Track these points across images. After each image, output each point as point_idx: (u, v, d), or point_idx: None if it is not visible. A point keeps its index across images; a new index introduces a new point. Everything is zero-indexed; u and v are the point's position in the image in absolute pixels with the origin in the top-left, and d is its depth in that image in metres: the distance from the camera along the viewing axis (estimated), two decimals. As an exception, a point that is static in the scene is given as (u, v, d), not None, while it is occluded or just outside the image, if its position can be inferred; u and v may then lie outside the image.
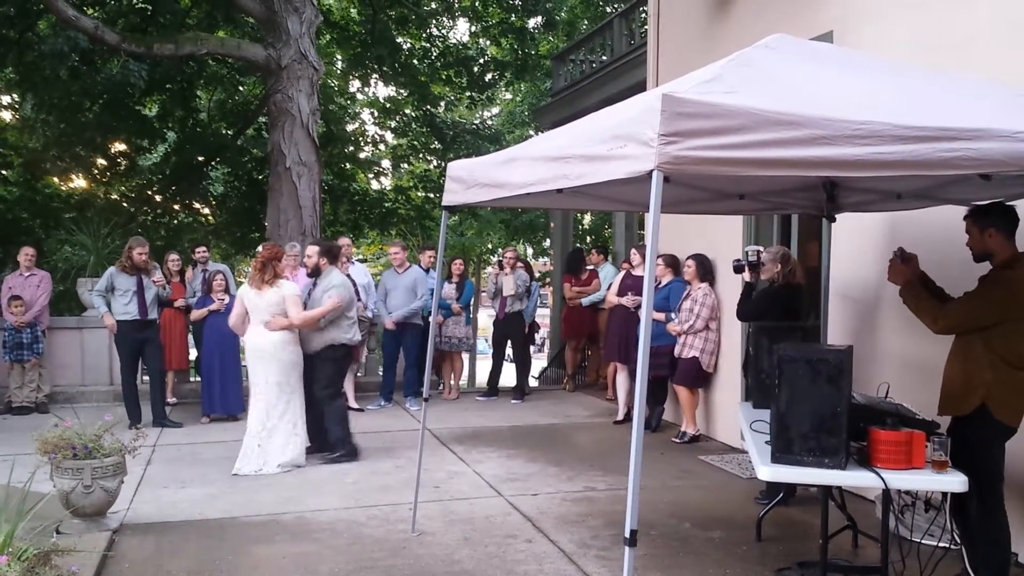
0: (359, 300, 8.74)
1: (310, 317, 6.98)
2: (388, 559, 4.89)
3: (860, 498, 5.70)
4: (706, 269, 7.93)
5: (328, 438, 7.27)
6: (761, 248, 6.33)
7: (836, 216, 5.45)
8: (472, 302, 11.35)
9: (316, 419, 7.29)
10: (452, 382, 10.87)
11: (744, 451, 7.29)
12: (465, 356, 12.92)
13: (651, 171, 2.84)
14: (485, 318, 21.44)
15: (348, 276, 8.07)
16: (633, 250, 9.41)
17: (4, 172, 17.32)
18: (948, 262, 4.54)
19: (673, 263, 8.28)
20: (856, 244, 6.03)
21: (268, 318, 6.87)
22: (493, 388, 10.92)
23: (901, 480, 3.55)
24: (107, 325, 8.59)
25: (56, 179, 18.19)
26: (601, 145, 3.19)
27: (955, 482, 3.50)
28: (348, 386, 9.72)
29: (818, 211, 5.48)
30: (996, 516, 4.01)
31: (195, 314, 9.16)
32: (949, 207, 4.62)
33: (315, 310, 7.03)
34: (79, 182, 18.57)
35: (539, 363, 16.19)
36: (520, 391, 10.69)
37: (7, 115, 18.58)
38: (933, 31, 5.49)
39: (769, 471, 3.60)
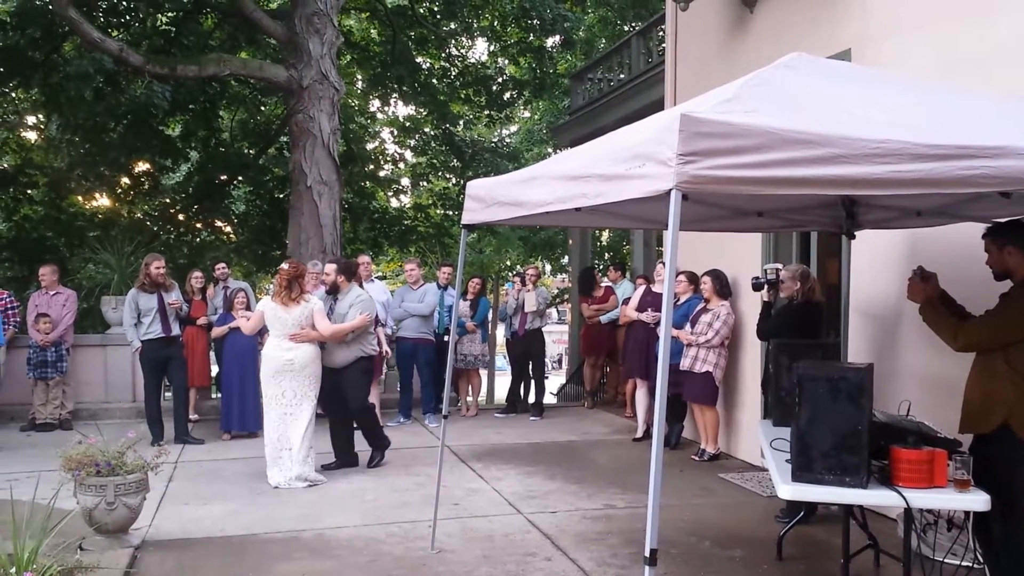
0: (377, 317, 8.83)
1: (340, 330, 7.20)
2: (408, 576, 4.90)
3: (882, 517, 5.66)
4: (723, 284, 7.88)
5: (371, 445, 7.73)
6: (780, 266, 6.33)
7: (856, 233, 5.44)
8: (489, 319, 11.37)
9: (343, 434, 7.62)
10: (470, 399, 10.89)
11: (764, 469, 7.24)
12: (484, 373, 12.93)
13: (669, 190, 2.86)
14: (502, 335, 21.44)
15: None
16: (659, 265, 9.36)
17: (30, 191, 17.55)
18: (968, 279, 4.52)
19: (695, 280, 8.24)
20: (876, 261, 6.02)
21: (293, 331, 6.99)
22: (512, 405, 10.93)
23: (923, 499, 3.52)
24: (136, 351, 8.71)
25: (80, 198, 18.41)
26: (620, 164, 3.22)
27: (977, 501, 3.47)
28: (375, 402, 9.73)
29: (837, 228, 5.47)
30: (1019, 535, 3.97)
31: (216, 331, 9.25)
32: (969, 224, 4.61)
33: (345, 324, 7.26)
34: (103, 201, 18.78)
35: (558, 380, 16.18)
36: (539, 408, 10.69)
37: (33, 135, 18.85)
38: (952, 48, 5.48)
39: (790, 490, 3.58)
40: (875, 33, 6.23)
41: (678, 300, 8.20)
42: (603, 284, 11.51)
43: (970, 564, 4.11)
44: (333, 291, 7.49)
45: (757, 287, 6.27)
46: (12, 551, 3.64)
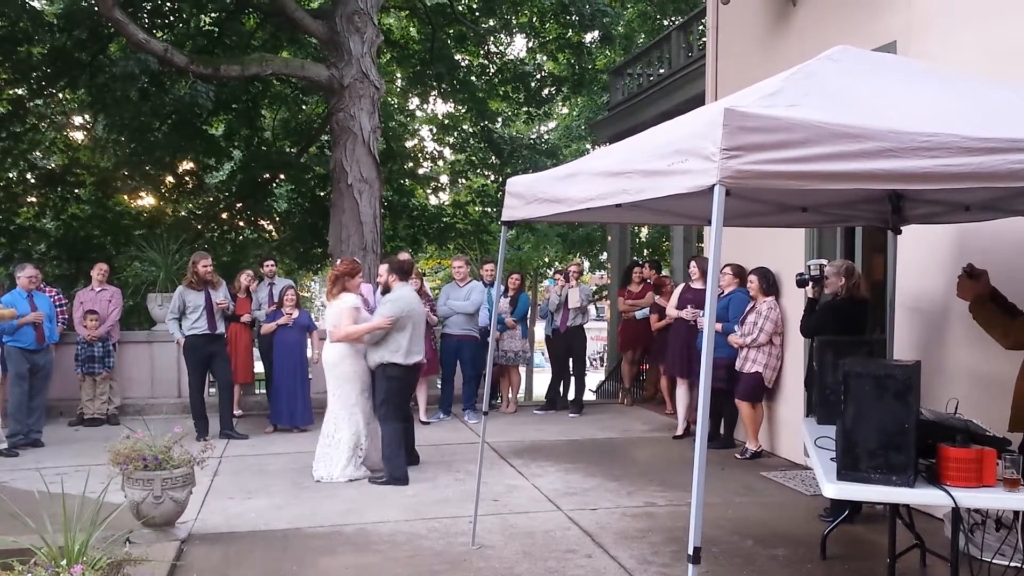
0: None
1: (349, 332, 6.93)
2: (448, 572, 4.92)
3: (928, 516, 5.57)
4: (769, 283, 7.82)
5: (383, 459, 7.07)
6: (825, 262, 6.25)
7: (902, 228, 5.35)
8: (528, 315, 11.38)
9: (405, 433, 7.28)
10: (510, 395, 10.90)
11: (807, 467, 7.17)
12: (522, 369, 12.92)
13: (713, 186, 2.84)
14: (542, 331, 21.41)
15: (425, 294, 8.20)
16: (692, 262, 9.31)
17: (77, 190, 17.89)
18: (1018, 275, 4.44)
19: (741, 273, 8.17)
20: (923, 256, 5.92)
21: (331, 329, 7.05)
22: (551, 402, 10.92)
23: (971, 498, 3.46)
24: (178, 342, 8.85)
25: (126, 197, 18.72)
26: (662, 160, 3.19)
27: (1028, 501, 3.41)
28: (421, 399, 9.79)
29: (883, 223, 5.38)
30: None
31: (266, 328, 9.36)
32: (1019, 219, 4.52)
33: (356, 327, 6.95)
34: (148, 200, 19.08)
35: (597, 377, 16.15)
36: (578, 405, 10.68)
37: (80, 135, 19.22)
38: (1000, 40, 5.37)
39: (835, 488, 3.53)
40: (921, 25, 6.12)
41: (721, 292, 8.14)
42: (642, 281, 11.44)
43: (1019, 565, 4.03)
44: (386, 291, 7.30)
45: (801, 283, 6.20)
46: (63, 544, 3.72)
